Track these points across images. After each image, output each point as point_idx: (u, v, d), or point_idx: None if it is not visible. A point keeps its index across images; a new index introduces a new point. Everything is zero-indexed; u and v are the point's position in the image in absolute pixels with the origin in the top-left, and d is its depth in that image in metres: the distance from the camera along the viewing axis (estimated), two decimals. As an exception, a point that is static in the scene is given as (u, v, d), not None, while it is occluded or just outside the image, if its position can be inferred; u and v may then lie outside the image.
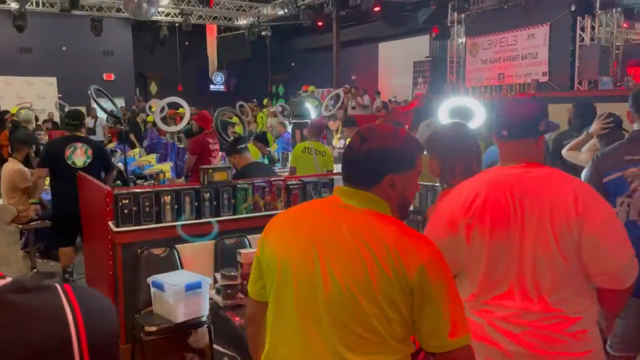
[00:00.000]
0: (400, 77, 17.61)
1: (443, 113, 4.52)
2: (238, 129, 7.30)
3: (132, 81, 19.25)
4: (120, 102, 16.14)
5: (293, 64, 22.19)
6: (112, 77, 18.43)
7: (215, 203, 3.95)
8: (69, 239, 5.09)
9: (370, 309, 1.25)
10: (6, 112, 13.54)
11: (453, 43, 14.47)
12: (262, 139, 7.15)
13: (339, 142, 7.22)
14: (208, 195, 3.92)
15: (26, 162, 5.66)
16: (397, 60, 17.71)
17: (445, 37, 14.56)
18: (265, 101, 16.86)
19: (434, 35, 14.90)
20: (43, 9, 14.46)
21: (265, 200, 4.15)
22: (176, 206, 3.75)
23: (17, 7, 13.70)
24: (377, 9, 12.96)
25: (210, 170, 3.95)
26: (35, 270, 5.63)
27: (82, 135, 4.87)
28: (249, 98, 16.66)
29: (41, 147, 6.39)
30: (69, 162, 4.63)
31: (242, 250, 3.17)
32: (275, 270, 1.38)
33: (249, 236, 4.00)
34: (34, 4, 14.13)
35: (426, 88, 15.81)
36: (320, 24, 15.53)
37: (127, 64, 18.88)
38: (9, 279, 0.63)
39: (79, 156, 4.61)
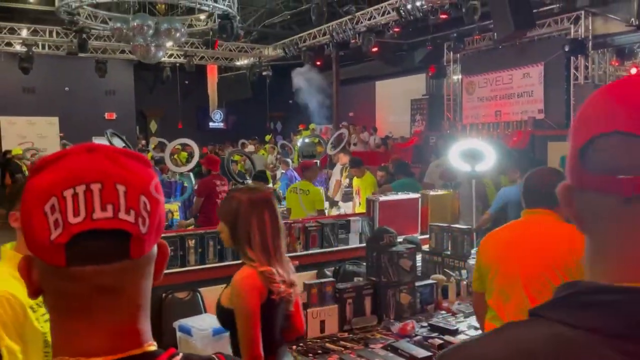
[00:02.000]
0: (397, 114, 17.94)
1: (454, 155, 4.67)
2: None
3: (133, 119, 19.47)
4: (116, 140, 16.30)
5: (291, 102, 22.57)
6: (114, 116, 18.64)
7: (219, 247, 4.01)
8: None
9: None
10: (8, 152, 13.67)
11: (449, 81, 14.84)
12: (261, 177, 7.26)
13: (345, 181, 7.36)
14: (212, 242, 3.99)
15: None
16: (394, 98, 18.08)
17: (442, 76, 14.95)
18: (268, 137, 17.06)
19: (430, 74, 15.29)
20: (49, 51, 14.75)
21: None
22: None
23: (25, 50, 13.97)
24: (375, 49, 13.33)
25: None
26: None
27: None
28: (248, 135, 16.88)
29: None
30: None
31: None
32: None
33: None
34: (40, 46, 14.41)
35: (424, 125, 16.11)
36: (318, 63, 15.91)
37: (128, 102, 19.13)
38: (180, 354, 0.72)
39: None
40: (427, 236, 4.22)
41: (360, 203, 6.30)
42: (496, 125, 13.39)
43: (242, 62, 17.90)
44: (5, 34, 13.87)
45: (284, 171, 8.91)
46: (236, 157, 9.56)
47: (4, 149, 15.06)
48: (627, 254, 0.58)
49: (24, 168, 11.70)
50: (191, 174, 8.23)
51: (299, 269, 4.17)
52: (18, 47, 14.33)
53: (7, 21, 13.90)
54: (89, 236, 0.64)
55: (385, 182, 7.06)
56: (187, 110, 20.93)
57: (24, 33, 14.01)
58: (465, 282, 3.57)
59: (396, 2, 10.95)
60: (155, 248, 0.72)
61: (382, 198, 4.54)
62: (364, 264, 3.81)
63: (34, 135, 16.77)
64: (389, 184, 6.35)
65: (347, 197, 7.32)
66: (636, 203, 0.56)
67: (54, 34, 14.26)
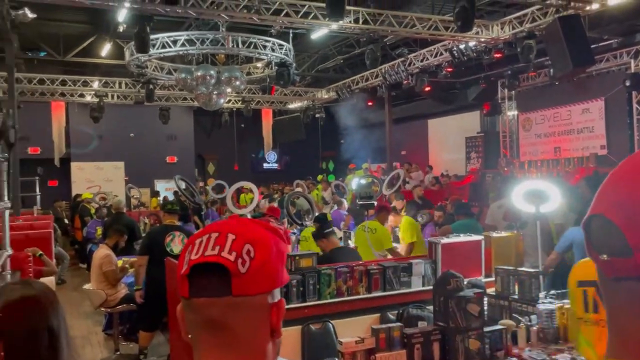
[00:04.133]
0: (451, 151, 17.80)
1: (517, 196, 4.62)
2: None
3: (192, 162, 20.29)
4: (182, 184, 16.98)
5: (342, 141, 22.90)
6: (175, 160, 19.51)
7: (301, 289, 4.11)
8: (153, 323, 5.32)
9: None
10: (78, 195, 14.49)
11: (504, 118, 14.67)
12: (322, 220, 7.35)
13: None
14: (295, 281, 4.10)
15: (114, 248, 6.06)
16: (447, 135, 17.99)
17: (496, 113, 14.80)
18: (320, 177, 17.31)
19: (485, 111, 15.16)
20: (117, 101, 15.76)
21: (347, 285, 4.28)
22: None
23: (96, 100, 14.99)
24: (427, 88, 13.43)
25: (297, 257, 4.15)
26: (118, 352, 5.85)
27: (179, 224, 5.24)
28: (301, 175, 17.15)
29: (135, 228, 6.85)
30: (167, 249, 4.96)
31: (344, 340, 3.25)
32: None
33: (332, 321, 4.10)
34: (110, 97, 15.42)
35: (480, 162, 15.88)
36: (370, 103, 16.15)
37: (188, 146, 20.01)
38: None
39: (176, 244, 4.94)
40: (492, 279, 4.15)
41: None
42: (556, 162, 13.05)
43: (296, 105, 18.40)
44: (79, 86, 14.95)
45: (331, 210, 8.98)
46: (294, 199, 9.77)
47: (74, 193, 15.99)
48: (620, 330, 0.61)
49: (92, 211, 12.30)
50: (248, 215, 8.48)
51: (362, 312, 4.21)
52: (89, 98, 15.38)
53: (81, 75, 15.00)
54: (203, 271, 0.79)
55: (444, 222, 7.01)
56: (242, 152, 21.64)
57: (96, 85, 15.06)
58: (535, 328, 3.49)
59: (449, 43, 11.06)
60: (269, 299, 0.82)
61: (444, 240, 4.53)
62: (428, 307, 3.80)
63: (102, 179, 17.74)
64: (448, 225, 6.30)
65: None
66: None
67: (123, 85, 15.26)
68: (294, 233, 7.11)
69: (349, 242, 6.55)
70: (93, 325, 6.99)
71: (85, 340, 6.41)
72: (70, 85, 14.83)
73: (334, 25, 9.52)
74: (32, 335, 1.35)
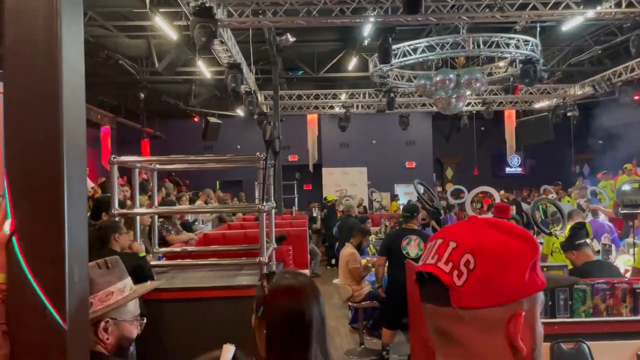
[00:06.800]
0: None
1: None
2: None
3: (431, 167, 20.46)
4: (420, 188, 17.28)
5: (601, 142, 20.25)
6: (413, 165, 19.96)
7: (550, 303, 3.79)
8: (394, 322, 5.53)
9: None
10: (325, 198, 16.01)
11: None
12: (580, 229, 6.61)
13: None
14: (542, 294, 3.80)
15: (358, 247, 6.51)
16: None
17: None
18: (578, 183, 15.61)
19: None
20: (361, 110, 16.92)
21: (607, 304, 3.79)
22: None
23: (343, 111, 16.38)
24: None
25: (545, 269, 3.84)
26: (363, 346, 6.25)
27: (416, 228, 5.39)
28: (548, 180, 15.76)
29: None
30: (404, 252, 5.14)
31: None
32: None
33: (588, 342, 3.68)
34: (355, 107, 16.66)
35: None
36: (637, 97, 13.93)
37: (426, 151, 20.27)
38: None
39: (412, 248, 5.09)
40: None
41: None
42: None
43: (543, 103, 17.00)
44: (329, 99, 16.50)
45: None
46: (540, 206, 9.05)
47: (324, 195, 17.71)
48: None
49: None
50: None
51: (624, 335, 3.69)
52: (337, 109, 16.86)
53: (331, 89, 16.54)
54: (429, 279, 0.78)
55: None
56: (482, 156, 20.96)
57: (343, 97, 16.42)
58: None
59: None
60: (502, 312, 0.75)
61: None
62: None
63: (347, 183, 19.22)
64: None
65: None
66: None
67: (367, 95, 16.30)
68: (541, 243, 6.62)
69: (610, 257, 5.76)
70: (341, 318, 7.60)
71: (334, 331, 7.01)
72: (322, 99, 16.47)
73: (591, 13, 8.50)
74: (294, 321, 1.52)
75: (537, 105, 17.20)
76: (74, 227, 1.05)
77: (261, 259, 3.92)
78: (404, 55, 10.72)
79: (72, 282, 1.03)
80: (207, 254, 5.04)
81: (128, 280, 1.81)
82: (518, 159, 21.78)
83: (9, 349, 1.03)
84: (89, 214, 4.71)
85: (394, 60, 10.37)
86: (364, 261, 6.58)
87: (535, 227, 6.44)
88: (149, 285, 2.09)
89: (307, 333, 1.50)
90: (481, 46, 10.38)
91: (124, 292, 1.76)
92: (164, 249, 4.99)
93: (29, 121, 1.03)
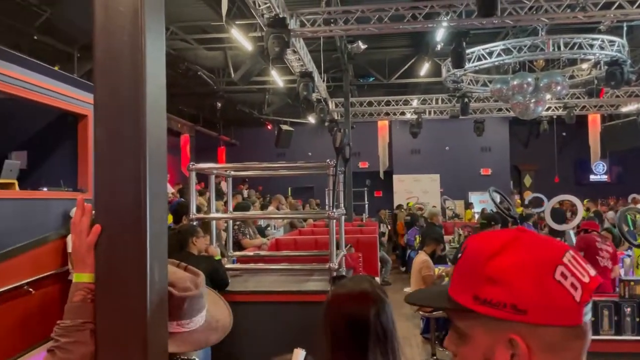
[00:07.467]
0: None
1: None
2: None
3: (507, 174, 19.72)
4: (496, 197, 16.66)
5: (699, 148, 18.66)
6: (489, 172, 19.33)
7: (637, 320, 3.55)
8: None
9: None
10: (400, 205, 15.81)
11: None
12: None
13: None
14: (629, 309, 3.56)
15: (432, 255, 6.38)
16: None
17: None
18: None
19: None
20: (434, 116, 16.60)
21: None
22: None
23: (415, 117, 16.17)
24: None
25: (631, 283, 3.60)
26: (434, 357, 6.11)
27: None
28: (638, 188, 14.71)
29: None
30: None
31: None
32: None
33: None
34: (427, 113, 16.37)
35: None
36: None
37: (503, 158, 19.57)
38: None
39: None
40: None
41: None
42: None
43: (631, 107, 15.92)
44: (400, 105, 16.35)
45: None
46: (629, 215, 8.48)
47: (395, 203, 17.52)
48: None
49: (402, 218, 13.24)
50: (570, 231, 7.74)
51: None
52: (409, 116, 16.64)
53: (402, 95, 16.38)
54: None
55: None
56: (564, 163, 19.95)
57: (415, 103, 16.20)
58: None
59: None
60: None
61: None
62: None
63: (419, 190, 18.90)
64: None
65: None
66: None
67: (440, 101, 16.00)
68: (629, 255, 6.20)
69: None
70: (413, 328, 7.46)
71: (405, 341, 6.89)
72: (393, 105, 16.34)
73: (684, 9, 7.90)
74: (352, 326, 1.52)
75: (624, 109, 16.14)
76: (154, 228, 1.11)
77: (331, 265, 3.95)
78: (479, 59, 10.43)
79: (152, 281, 1.10)
80: (278, 258, 5.15)
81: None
82: (603, 166, 20.55)
83: (94, 347, 1.10)
84: (170, 217, 4.95)
85: (468, 65, 10.12)
86: (437, 270, 6.44)
87: (621, 238, 6.03)
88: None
89: (365, 339, 1.50)
90: (562, 48, 9.90)
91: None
92: (237, 253, 5.16)
93: (115, 129, 1.12)
